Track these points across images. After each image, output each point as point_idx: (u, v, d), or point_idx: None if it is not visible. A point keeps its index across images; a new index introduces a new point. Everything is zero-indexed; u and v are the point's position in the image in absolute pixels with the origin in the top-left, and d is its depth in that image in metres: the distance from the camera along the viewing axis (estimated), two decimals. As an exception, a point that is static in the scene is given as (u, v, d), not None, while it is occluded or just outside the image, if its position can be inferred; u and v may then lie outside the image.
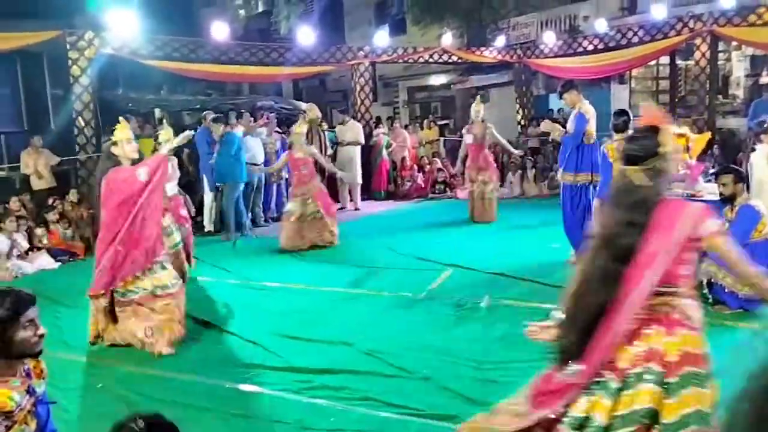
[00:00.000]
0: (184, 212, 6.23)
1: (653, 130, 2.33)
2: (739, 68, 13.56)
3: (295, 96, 20.19)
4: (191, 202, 8.64)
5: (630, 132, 5.66)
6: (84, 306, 4.69)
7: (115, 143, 4.38)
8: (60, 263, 7.59)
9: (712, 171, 6.05)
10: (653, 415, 2.20)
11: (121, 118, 4.37)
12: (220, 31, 10.45)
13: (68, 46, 8.96)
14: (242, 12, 23.29)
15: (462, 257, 6.78)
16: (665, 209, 2.27)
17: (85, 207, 8.70)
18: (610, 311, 2.26)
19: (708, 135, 7.69)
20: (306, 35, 11.38)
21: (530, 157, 12.17)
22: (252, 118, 9.82)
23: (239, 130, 9.15)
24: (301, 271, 6.76)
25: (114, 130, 4.59)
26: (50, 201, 8.48)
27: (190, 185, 9.54)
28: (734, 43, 12.46)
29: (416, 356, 4.19)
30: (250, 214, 9.10)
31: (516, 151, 10.16)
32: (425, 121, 15.33)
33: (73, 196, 8.71)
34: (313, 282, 6.21)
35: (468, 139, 8.99)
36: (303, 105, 11.40)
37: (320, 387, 3.82)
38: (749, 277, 2.32)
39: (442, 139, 14.74)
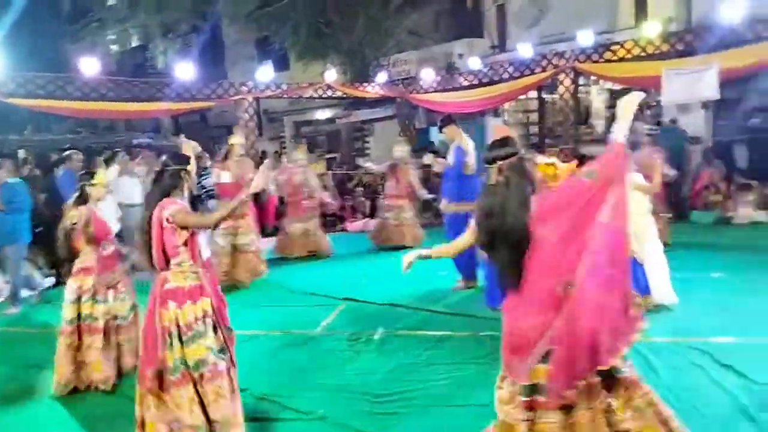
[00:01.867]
0: None
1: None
2: (598, 100, 14.81)
3: (175, 132, 19.53)
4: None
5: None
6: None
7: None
8: None
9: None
10: None
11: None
12: (89, 66, 9.94)
13: None
14: (115, 47, 22.33)
15: (354, 290, 6.78)
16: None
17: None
18: None
19: (574, 164, 8.27)
20: (185, 70, 11.09)
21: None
22: (128, 157, 9.38)
23: (114, 170, 8.67)
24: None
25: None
26: None
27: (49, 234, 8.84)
28: (593, 78, 13.60)
29: (311, 396, 4.09)
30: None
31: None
32: (313, 155, 15.35)
33: None
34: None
35: (225, 177, 7.46)
36: (183, 140, 11.04)
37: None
38: None
39: (329, 173, 14.81)
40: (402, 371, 4.44)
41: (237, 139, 7.60)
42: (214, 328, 3.31)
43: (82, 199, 4.53)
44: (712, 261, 7.00)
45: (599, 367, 2.45)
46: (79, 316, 4.43)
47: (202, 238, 3.39)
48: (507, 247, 2.57)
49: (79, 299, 4.43)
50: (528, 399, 2.51)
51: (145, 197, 3.47)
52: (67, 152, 9.03)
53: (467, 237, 2.85)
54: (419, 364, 4.56)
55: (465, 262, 6.63)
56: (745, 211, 9.61)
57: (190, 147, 7.83)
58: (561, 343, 2.45)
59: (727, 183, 10.33)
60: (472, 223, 2.79)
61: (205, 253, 3.45)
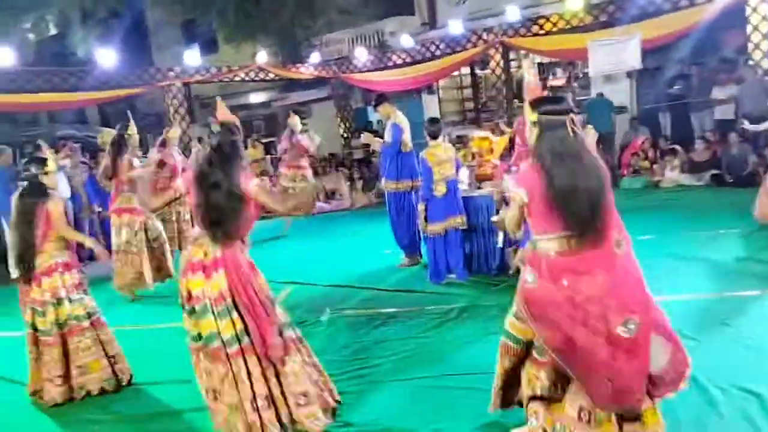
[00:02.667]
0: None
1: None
2: (529, 74, 15.08)
3: (102, 122, 18.75)
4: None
5: (442, 137, 6.06)
6: None
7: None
8: None
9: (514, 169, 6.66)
10: None
11: None
12: (5, 56, 9.40)
13: None
14: (31, 36, 21.14)
15: (300, 273, 6.75)
16: None
17: None
18: None
19: (507, 137, 8.45)
20: (107, 57, 10.65)
21: (357, 168, 12.50)
22: (52, 150, 8.96)
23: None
24: (128, 311, 6.26)
25: None
26: None
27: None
28: (523, 52, 13.87)
29: (261, 381, 4.06)
30: None
31: None
32: (249, 140, 15.06)
33: None
34: (139, 320, 5.78)
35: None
36: (104, 131, 10.62)
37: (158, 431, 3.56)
38: None
39: (268, 157, 14.58)
40: (351, 350, 4.47)
41: (174, 132, 7.77)
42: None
43: (41, 191, 4.07)
44: (641, 224, 7.30)
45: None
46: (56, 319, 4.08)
47: None
48: (596, 204, 2.51)
49: (60, 300, 4.07)
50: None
51: (209, 164, 3.13)
52: None
53: (517, 208, 2.68)
54: (368, 342, 4.60)
55: (408, 240, 6.70)
56: (671, 175, 10.06)
57: (110, 134, 7.48)
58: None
59: (653, 149, 10.77)
60: (519, 191, 2.62)
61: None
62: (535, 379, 2.72)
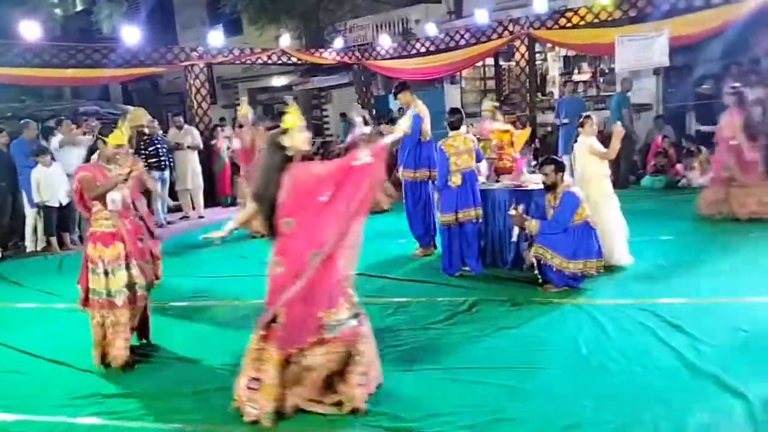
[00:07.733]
0: None
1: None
2: (554, 67, 14.90)
3: (124, 100, 18.91)
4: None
5: (464, 128, 5.98)
6: None
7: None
8: None
9: (534, 163, 6.58)
10: None
11: None
12: (31, 30, 9.47)
13: None
14: (58, 11, 21.29)
15: (312, 259, 6.74)
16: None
17: None
18: None
19: (529, 130, 8.35)
20: (132, 35, 10.69)
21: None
22: (74, 125, 9.05)
23: (57, 139, 8.54)
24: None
25: None
26: None
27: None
28: (549, 45, 13.66)
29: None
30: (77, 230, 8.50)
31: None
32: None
33: None
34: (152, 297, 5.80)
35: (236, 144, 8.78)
36: (131, 109, 10.65)
37: (164, 411, 3.57)
38: None
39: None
40: (361, 338, 4.45)
41: (244, 109, 8.64)
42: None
43: None
44: (661, 224, 7.21)
45: None
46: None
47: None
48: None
49: None
50: None
51: None
52: (23, 121, 8.70)
53: None
54: (381, 331, 4.56)
55: (423, 230, 6.66)
56: (692, 176, 9.89)
57: (141, 114, 7.60)
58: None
59: (674, 148, 10.60)
60: None
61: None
62: None
